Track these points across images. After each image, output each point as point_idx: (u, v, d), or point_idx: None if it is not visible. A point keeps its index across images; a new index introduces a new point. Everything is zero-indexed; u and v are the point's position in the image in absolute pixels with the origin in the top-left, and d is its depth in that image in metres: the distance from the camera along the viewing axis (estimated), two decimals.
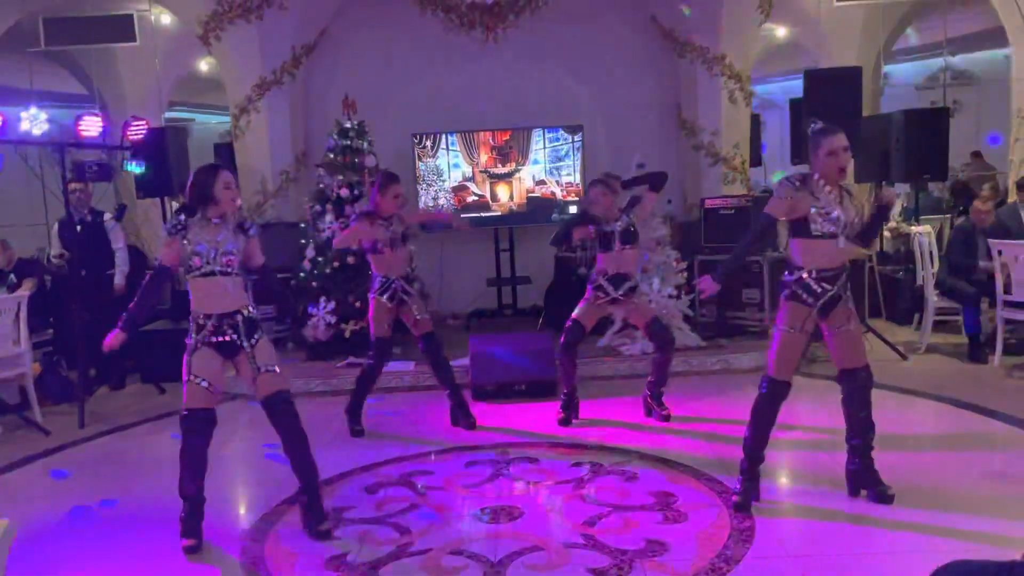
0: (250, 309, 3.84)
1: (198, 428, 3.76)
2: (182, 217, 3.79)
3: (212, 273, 3.74)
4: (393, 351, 5.89)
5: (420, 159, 8.45)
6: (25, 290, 6.46)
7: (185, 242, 3.75)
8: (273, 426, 3.84)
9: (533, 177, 8.53)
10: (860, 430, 3.93)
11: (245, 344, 3.78)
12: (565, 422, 5.41)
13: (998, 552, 3.12)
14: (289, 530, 3.92)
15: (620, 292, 5.26)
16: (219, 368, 3.82)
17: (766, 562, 3.36)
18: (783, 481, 4.44)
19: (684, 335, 6.82)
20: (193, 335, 3.79)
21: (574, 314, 5.36)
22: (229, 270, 3.77)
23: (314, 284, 7.11)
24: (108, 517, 4.25)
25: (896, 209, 9.93)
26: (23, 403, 6.17)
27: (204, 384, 3.75)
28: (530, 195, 8.54)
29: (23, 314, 6.01)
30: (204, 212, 3.78)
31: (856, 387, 3.90)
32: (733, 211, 7.46)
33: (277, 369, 3.83)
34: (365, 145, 7.48)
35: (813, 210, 3.74)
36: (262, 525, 4.00)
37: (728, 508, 3.87)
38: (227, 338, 3.76)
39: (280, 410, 3.80)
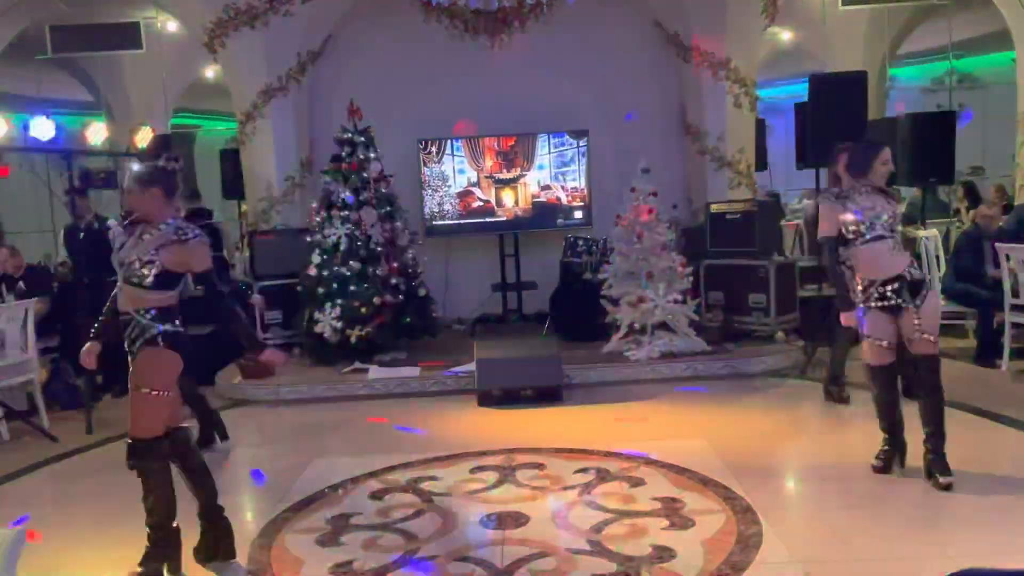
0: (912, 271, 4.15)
1: (888, 381, 4.26)
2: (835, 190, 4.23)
3: (880, 238, 4.11)
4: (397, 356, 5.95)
5: (425, 164, 8.47)
6: (38, 308, 6.49)
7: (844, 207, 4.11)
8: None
9: (538, 182, 8.54)
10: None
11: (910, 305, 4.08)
12: None
13: (1009, 559, 3.13)
14: (295, 536, 3.92)
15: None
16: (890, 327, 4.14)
17: (773, 568, 3.35)
18: (790, 486, 4.43)
19: (690, 340, 6.80)
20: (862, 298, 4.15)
21: None
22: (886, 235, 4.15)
23: (320, 290, 7.11)
24: (117, 522, 4.25)
25: (901, 209, 9.90)
26: (31, 409, 6.19)
27: (883, 343, 4.14)
28: (535, 200, 8.54)
29: (30, 321, 6.03)
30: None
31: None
32: (739, 215, 7.44)
33: (932, 338, 4.08)
34: (371, 151, 7.48)
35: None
36: (269, 531, 4.00)
37: (735, 514, 3.86)
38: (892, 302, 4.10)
39: (928, 366, 4.09)
